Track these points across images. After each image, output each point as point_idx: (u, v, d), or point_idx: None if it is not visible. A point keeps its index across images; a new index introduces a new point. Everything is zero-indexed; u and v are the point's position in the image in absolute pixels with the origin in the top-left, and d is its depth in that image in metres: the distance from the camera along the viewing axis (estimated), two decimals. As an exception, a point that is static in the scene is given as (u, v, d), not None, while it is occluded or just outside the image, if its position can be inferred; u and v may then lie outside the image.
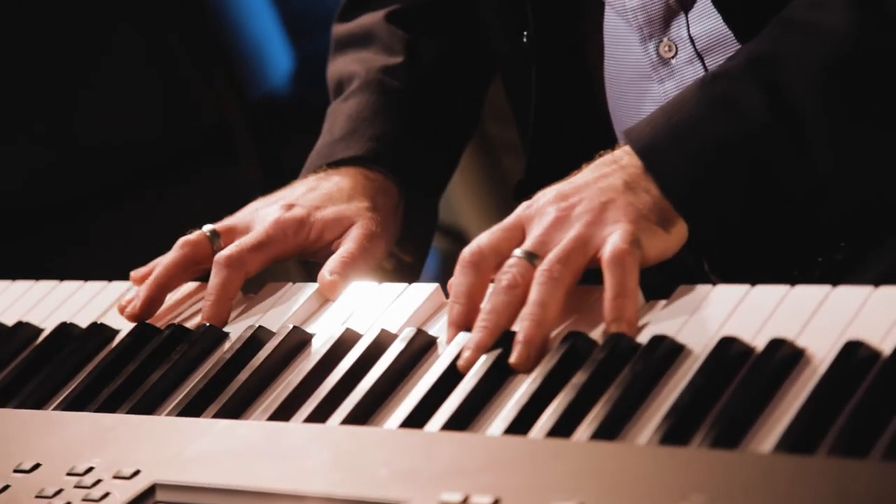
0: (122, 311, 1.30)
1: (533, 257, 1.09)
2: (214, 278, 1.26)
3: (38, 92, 3.01)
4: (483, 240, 1.13)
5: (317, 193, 1.37)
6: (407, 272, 1.44)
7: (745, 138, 1.13)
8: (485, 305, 1.09)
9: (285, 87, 3.36)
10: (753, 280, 1.06)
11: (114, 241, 2.90)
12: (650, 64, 1.32)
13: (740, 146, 1.14)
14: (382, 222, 1.37)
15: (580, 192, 1.12)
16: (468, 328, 1.09)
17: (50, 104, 3.01)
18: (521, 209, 1.14)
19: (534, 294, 1.07)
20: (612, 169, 1.14)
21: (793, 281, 1.04)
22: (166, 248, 1.34)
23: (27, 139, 3.00)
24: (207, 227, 1.34)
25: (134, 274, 1.34)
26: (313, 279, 1.27)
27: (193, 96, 3.31)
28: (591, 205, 1.10)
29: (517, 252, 1.10)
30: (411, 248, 1.45)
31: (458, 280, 1.11)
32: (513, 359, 1.05)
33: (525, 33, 1.39)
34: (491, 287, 1.10)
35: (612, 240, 1.07)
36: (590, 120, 1.40)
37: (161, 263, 1.31)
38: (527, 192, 1.46)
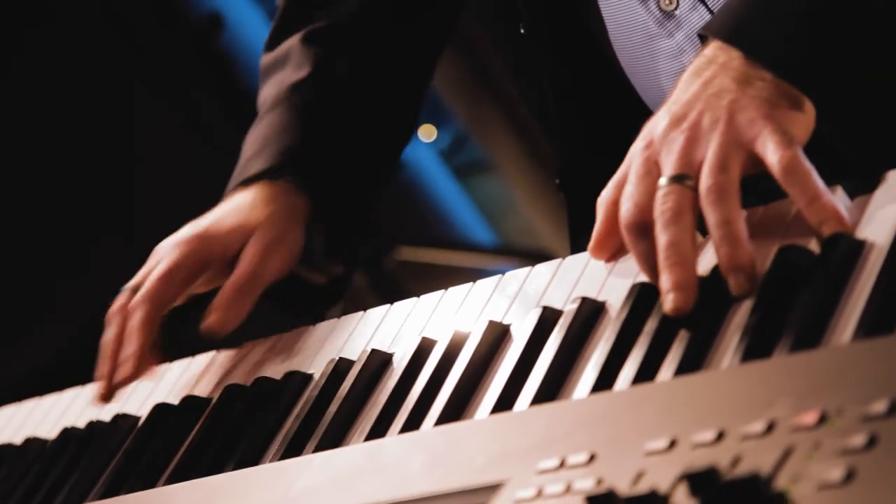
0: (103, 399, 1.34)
1: (683, 179, 1.01)
2: (132, 320, 1.31)
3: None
4: (632, 197, 1.04)
5: (220, 210, 1.39)
6: (338, 284, 1.45)
7: None
8: (660, 244, 1.00)
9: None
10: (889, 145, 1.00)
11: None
12: (655, 21, 1.30)
13: None
14: (286, 228, 1.37)
15: (694, 106, 1.04)
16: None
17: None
18: (641, 151, 1.05)
19: (712, 216, 0.99)
20: (714, 71, 1.06)
21: None
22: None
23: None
24: (128, 285, 1.36)
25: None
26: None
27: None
28: (716, 113, 1.02)
29: (662, 181, 1.02)
30: (339, 256, 1.44)
31: (639, 248, 1.03)
32: (733, 290, 0.96)
33: (521, 26, 1.39)
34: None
35: (769, 150, 0.99)
36: (611, 93, 1.39)
37: (103, 344, 1.34)
38: (569, 179, 1.46)
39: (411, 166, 3.40)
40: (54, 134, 3.03)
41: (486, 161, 3.49)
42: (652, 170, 1.04)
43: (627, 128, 1.16)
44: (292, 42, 1.53)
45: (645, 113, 1.35)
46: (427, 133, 3.44)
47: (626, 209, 1.04)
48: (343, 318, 1.30)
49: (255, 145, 1.46)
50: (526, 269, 1.19)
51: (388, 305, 1.27)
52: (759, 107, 1.01)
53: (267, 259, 1.34)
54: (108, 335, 1.34)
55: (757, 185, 1.02)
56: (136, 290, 1.36)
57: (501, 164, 3.45)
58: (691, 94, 1.05)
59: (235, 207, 1.39)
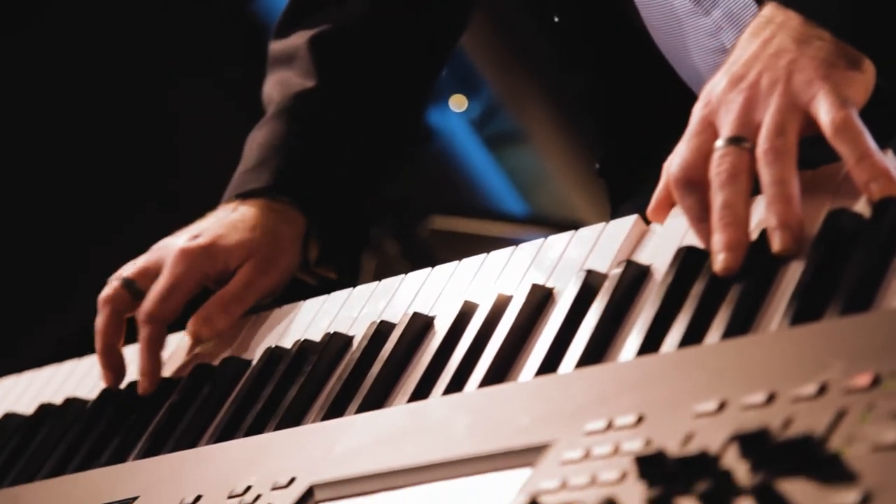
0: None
1: (741, 140, 1.01)
2: (140, 335, 1.36)
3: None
4: (682, 153, 1.04)
5: (222, 223, 1.42)
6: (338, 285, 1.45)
7: None
8: (714, 204, 1.00)
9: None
10: None
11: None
12: None
13: None
14: (282, 250, 1.42)
15: (753, 66, 1.04)
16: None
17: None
18: (700, 109, 1.05)
19: (767, 175, 0.99)
20: (772, 31, 1.05)
21: None
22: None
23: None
24: (122, 276, 1.41)
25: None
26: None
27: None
28: (774, 74, 1.02)
29: (719, 143, 1.02)
30: (334, 267, 1.48)
31: (686, 203, 1.03)
32: (776, 246, 0.97)
33: (553, 14, 1.39)
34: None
35: (823, 111, 0.99)
36: (648, 75, 1.39)
37: (97, 332, 1.40)
38: (610, 166, 1.46)
39: (443, 136, 3.39)
40: (93, 110, 3.03)
41: (517, 130, 3.48)
42: (707, 129, 1.04)
43: (666, 109, 1.15)
44: (300, 42, 1.54)
45: (683, 93, 1.35)
46: (458, 103, 3.44)
47: (675, 165, 1.04)
48: (384, 281, 1.30)
49: (258, 155, 1.48)
50: (568, 234, 1.18)
51: (428, 269, 1.27)
52: (817, 67, 1.01)
53: (258, 279, 1.40)
54: (101, 323, 1.40)
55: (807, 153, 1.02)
56: (126, 283, 1.40)
57: (533, 133, 3.44)
58: (750, 54, 1.04)
59: (237, 224, 1.42)
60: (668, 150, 1.10)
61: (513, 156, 3.50)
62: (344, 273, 1.50)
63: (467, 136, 3.44)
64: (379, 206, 3.16)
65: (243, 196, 1.45)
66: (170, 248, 1.41)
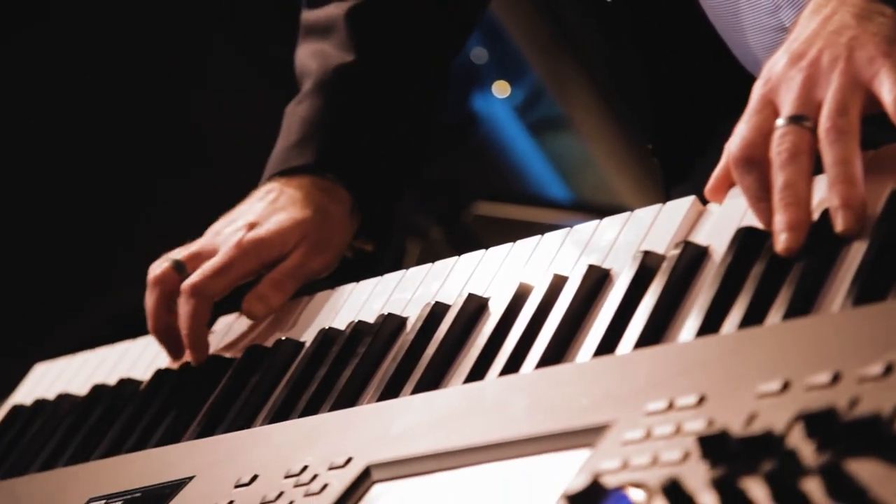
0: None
1: (802, 119, 1.00)
2: (182, 309, 1.36)
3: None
4: (742, 132, 1.03)
5: (273, 207, 1.41)
6: (369, 259, 1.48)
7: None
8: (776, 184, 1.00)
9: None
10: None
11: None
12: None
13: None
14: (333, 230, 1.41)
15: (814, 44, 1.03)
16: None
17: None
18: (760, 87, 1.04)
19: (830, 155, 0.98)
20: (832, 8, 1.04)
21: None
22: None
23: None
24: (172, 256, 1.40)
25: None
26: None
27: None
28: (835, 51, 1.01)
29: (780, 122, 1.01)
30: (371, 240, 1.48)
31: (745, 182, 1.03)
32: (839, 227, 0.96)
33: None
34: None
35: (885, 88, 0.98)
36: (703, 55, 1.38)
37: (148, 313, 1.39)
38: (664, 147, 1.45)
39: (486, 122, 3.39)
40: (126, 88, 3.04)
41: (561, 117, 3.47)
42: (766, 107, 1.03)
43: (720, 88, 1.14)
44: (337, 14, 1.53)
45: (738, 73, 1.34)
46: (501, 89, 3.43)
47: (735, 143, 1.03)
48: (437, 263, 1.29)
49: (299, 130, 1.47)
50: (624, 216, 1.18)
51: (482, 251, 1.27)
52: (878, 44, 1.00)
53: (312, 259, 1.40)
54: (151, 304, 1.39)
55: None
56: (179, 265, 1.39)
57: (576, 119, 3.43)
58: (811, 32, 1.03)
59: (287, 206, 1.41)
60: (723, 129, 1.09)
61: (556, 142, 3.49)
62: (381, 246, 1.49)
63: (511, 122, 3.44)
64: (424, 191, 3.17)
65: (287, 173, 1.44)
66: (224, 236, 1.40)
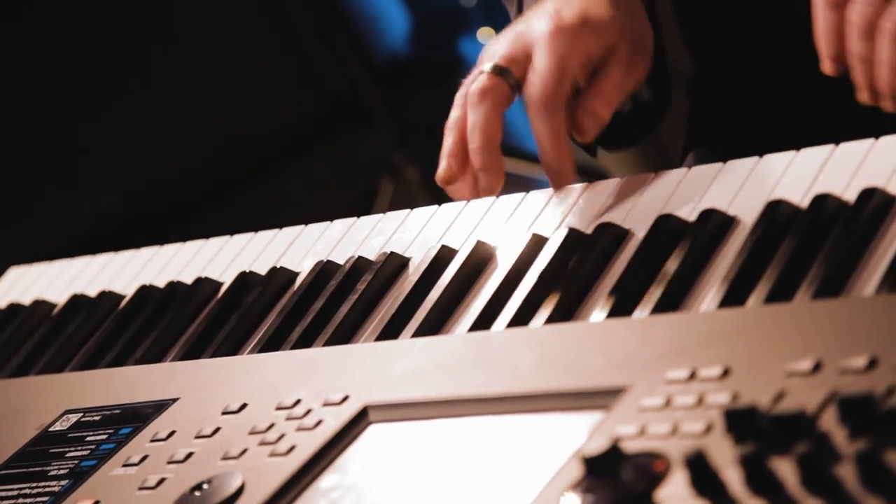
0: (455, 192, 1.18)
1: None
2: (542, 127, 1.14)
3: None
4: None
5: (577, 2, 1.17)
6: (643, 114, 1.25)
7: None
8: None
9: (405, 48, 3.37)
10: None
11: (272, 214, 2.95)
12: None
13: None
14: (644, 26, 1.20)
15: None
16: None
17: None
18: None
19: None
20: None
21: None
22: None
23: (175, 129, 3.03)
24: (489, 65, 1.17)
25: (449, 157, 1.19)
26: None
27: (317, 67, 3.33)
28: None
29: None
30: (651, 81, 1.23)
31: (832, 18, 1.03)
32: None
33: None
34: None
35: None
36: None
37: (477, 129, 1.16)
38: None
39: (470, 66, 3.35)
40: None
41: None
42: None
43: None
44: None
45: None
46: (487, 35, 3.39)
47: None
48: (443, 206, 1.26)
49: None
50: (648, 175, 1.15)
51: (491, 198, 1.23)
52: None
53: (636, 62, 1.18)
54: (482, 119, 1.17)
55: None
56: (501, 70, 1.16)
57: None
58: None
59: (590, 4, 1.17)
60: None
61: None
62: (659, 94, 1.25)
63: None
64: (404, 131, 3.14)
65: None
66: (534, 30, 1.16)
